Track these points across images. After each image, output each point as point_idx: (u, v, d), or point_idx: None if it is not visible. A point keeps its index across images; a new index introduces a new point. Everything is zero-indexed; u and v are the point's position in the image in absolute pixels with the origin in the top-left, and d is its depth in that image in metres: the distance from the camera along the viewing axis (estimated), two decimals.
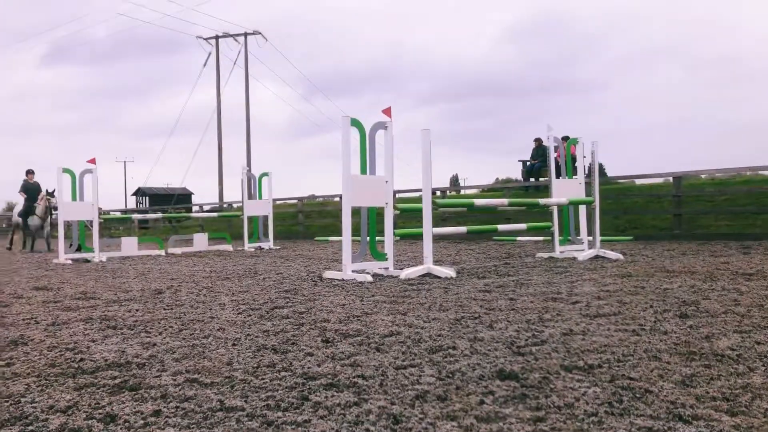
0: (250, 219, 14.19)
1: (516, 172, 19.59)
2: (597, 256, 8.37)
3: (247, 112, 34.85)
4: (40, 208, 15.38)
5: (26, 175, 16.29)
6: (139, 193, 48.25)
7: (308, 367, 2.85)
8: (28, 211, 15.84)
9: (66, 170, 11.47)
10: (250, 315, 4.36)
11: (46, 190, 15.33)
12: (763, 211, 12.31)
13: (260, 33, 34.97)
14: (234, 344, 3.40)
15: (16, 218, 16.55)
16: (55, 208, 15.39)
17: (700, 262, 7.25)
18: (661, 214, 13.68)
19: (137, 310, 4.73)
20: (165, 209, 29.45)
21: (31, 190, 15.99)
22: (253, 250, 13.42)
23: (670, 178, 13.58)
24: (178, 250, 13.04)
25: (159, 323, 4.13)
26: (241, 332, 3.72)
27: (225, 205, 27.14)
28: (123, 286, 6.49)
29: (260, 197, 14.38)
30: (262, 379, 2.69)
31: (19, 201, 17.55)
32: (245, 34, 35.08)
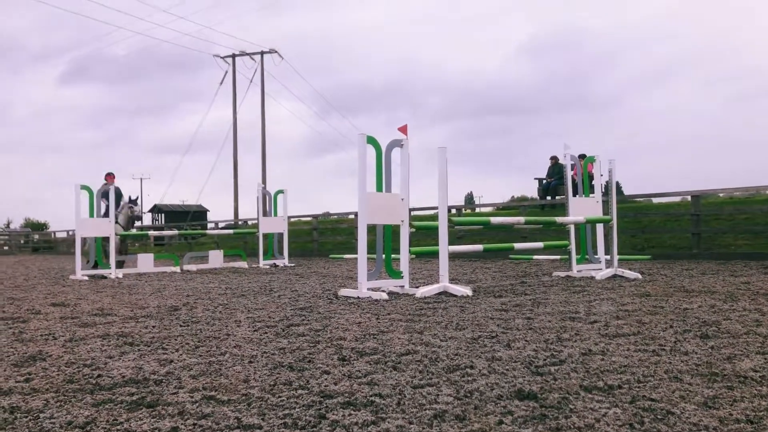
0: (265, 236, 14.23)
1: (531, 190, 19.57)
2: (615, 276, 8.29)
3: (262, 130, 35.13)
4: (121, 217, 13.49)
5: (105, 178, 14.02)
6: (155, 209, 48.57)
7: (325, 386, 2.84)
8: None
9: (84, 187, 11.59)
10: (266, 332, 4.36)
11: (129, 197, 13.75)
12: None
13: (276, 51, 35.33)
14: (250, 362, 3.39)
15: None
16: (138, 218, 13.99)
17: (720, 282, 7.16)
18: (679, 233, 13.54)
19: (154, 327, 4.74)
20: (180, 226, 29.63)
21: (113, 193, 14.22)
22: (268, 267, 13.44)
23: (688, 197, 13.46)
24: (193, 267, 13.09)
25: (175, 340, 4.13)
26: (258, 350, 3.72)
27: (240, 222, 27.29)
28: (139, 303, 6.52)
29: (275, 214, 14.44)
30: (279, 397, 2.68)
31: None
32: (261, 53, 35.45)
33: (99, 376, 3.11)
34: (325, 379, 2.96)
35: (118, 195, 13.74)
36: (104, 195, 13.44)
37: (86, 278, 10.94)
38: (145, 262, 12.54)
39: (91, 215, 11.65)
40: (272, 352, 3.65)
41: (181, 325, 4.80)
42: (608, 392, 2.62)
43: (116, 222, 13.32)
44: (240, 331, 4.46)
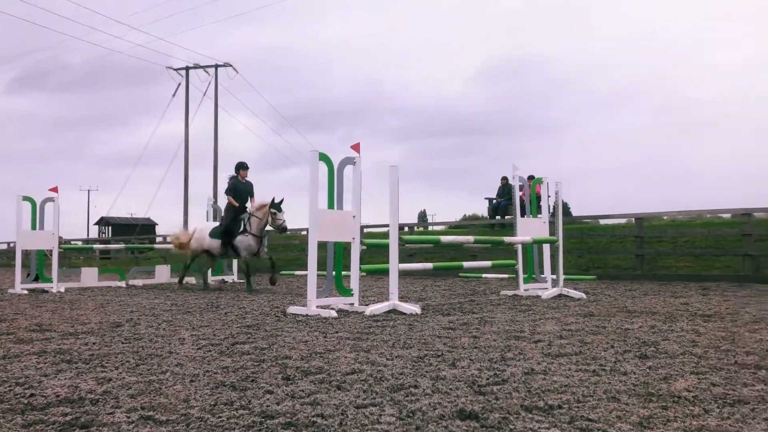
0: None
1: (483, 209, 19.82)
2: (560, 295, 8.45)
3: (215, 144, 34.71)
4: (254, 223, 10.45)
5: (237, 171, 11.04)
6: (102, 222, 47.45)
7: (267, 406, 2.80)
8: (230, 228, 10.67)
9: (26, 198, 11.24)
10: (209, 350, 4.28)
11: (273, 200, 10.26)
12: (722, 254, 12.60)
13: (231, 65, 35.01)
14: (192, 380, 3.33)
15: (208, 241, 11.18)
16: (284, 229, 10.62)
17: (661, 303, 7.36)
18: (623, 254, 13.90)
19: (94, 344, 4.61)
20: (128, 239, 28.96)
21: (242, 191, 10.87)
22: (216, 283, 13.23)
23: (633, 219, 13.85)
24: (139, 282, 12.79)
25: (116, 357, 4.03)
26: (200, 368, 3.65)
27: None
28: (80, 318, 6.33)
29: None
30: (219, 417, 2.63)
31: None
32: (216, 66, 35.09)
33: (32, 395, 3.00)
34: (268, 399, 2.92)
35: (249, 192, 10.83)
36: (232, 191, 10.82)
37: (26, 292, 10.57)
38: (89, 276, 12.20)
39: (33, 227, 11.27)
40: (215, 370, 3.58)
41: (122, 342, 4.67)
42: (548, 412, 2.66)
43: (244, 230, 10.52)
44: (183, 348, 4.38)
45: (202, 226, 11.84)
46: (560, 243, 8.79)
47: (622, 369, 3.50)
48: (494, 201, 18.08)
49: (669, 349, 4.13)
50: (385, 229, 17.58)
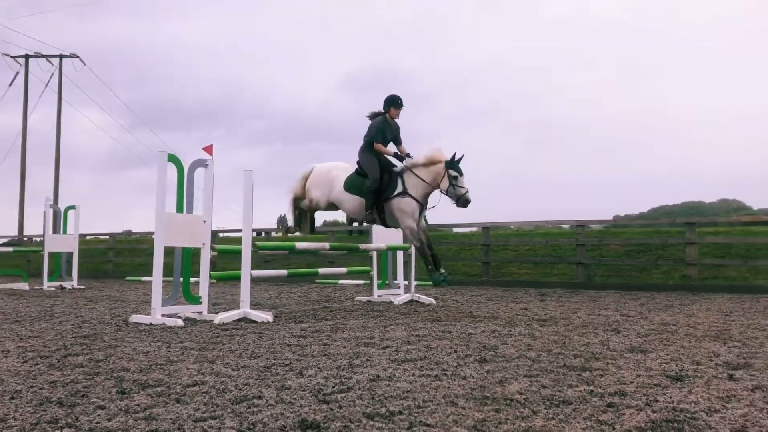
0: (52, 255, 13.00)
1: (344, 216, 19.95)
2: (412, 300, 8.68)
3: (57, 139, 32.25)
4: (415, 183, 7.42)
5: (387, 108, 7.73)
6: None
7: (97, 422, 2.62)
8: (383, 184, 7.37)
9: None
10: (37, 364, 3.95)
11: (453, 157, 7.34)
12: (558, 262, 13.57)
13: (77, 56, 32.74)
14: (12, 398, 3.05)
15: (337, 193, 7.96)
16: (467, 202, 7.35)
17: (503, 308, 7.77)
18: (471, 261, 14.57)
19: None
20: None
21: (387, 138, 7.75)
22: (53, 289, 12.27)
23: (481, 228, 14.56)
24: None
25: None
26: (24, 384, 3.35)
27: (25, 239, 24.73)
28: None
29: (65, 232, 13.26)
30: None
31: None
32: (60, 56, 32.66)
33: None
34: (98, 415, 2.73)
35: (395, 139, 7.79)
36: (379, 131, 7.59)
37: None
38: None
39: None
40: (41, 386, 3.31)
41: None
42: (389, 419, 2.70)
43: (404, 192, 7.41)
44: (6, 362, 4.00)
45: (329, 165, 8.09)
46: (413, 250, 9.04)
47: (462, 373, 3.65)
48: None
49: (506, 353, 4.36)
50: (240, 235, 17.16)
